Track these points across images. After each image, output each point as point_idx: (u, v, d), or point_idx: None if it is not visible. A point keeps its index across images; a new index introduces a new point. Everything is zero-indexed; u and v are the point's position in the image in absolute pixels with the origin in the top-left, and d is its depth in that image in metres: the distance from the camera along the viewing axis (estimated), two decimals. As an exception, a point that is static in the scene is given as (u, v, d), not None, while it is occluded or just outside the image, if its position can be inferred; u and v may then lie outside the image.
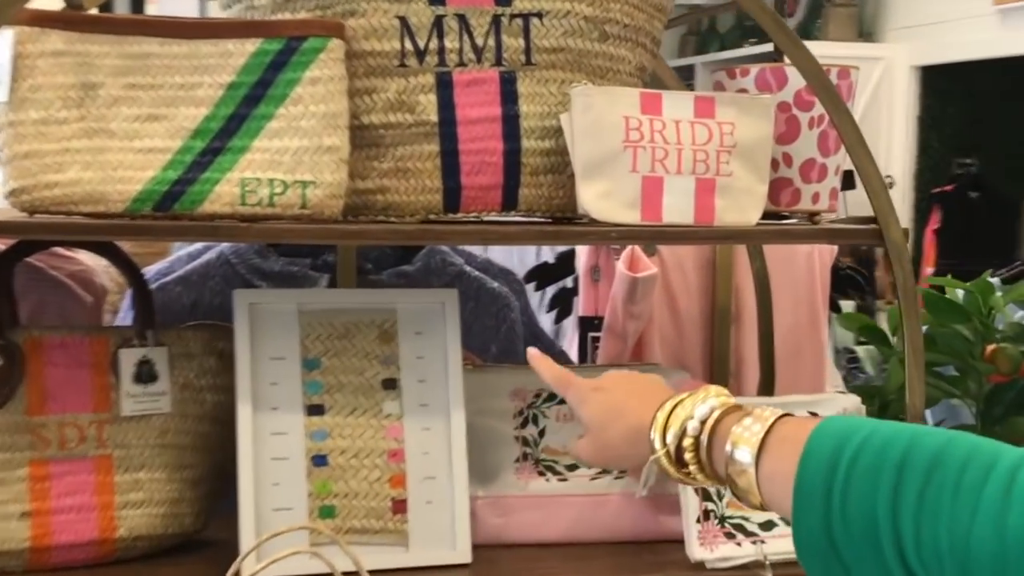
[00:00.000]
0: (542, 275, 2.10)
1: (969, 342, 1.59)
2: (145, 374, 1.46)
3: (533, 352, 1.31)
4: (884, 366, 1.68)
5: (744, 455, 1.04)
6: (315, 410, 1.46)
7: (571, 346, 2.04)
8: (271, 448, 1.44)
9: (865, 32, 6.62)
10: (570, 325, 2.09)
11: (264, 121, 1.34)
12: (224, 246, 1.76)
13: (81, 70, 1.31)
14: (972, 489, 0.85)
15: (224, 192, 1.33)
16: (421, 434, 1.48)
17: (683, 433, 1.12)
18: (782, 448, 1.01)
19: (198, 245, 1.80)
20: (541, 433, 1.57)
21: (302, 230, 1.33)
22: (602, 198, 1.41)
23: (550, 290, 2.10)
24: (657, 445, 1.15)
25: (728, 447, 1.06)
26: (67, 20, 1.33)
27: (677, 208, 1.43)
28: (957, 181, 5.83)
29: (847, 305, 2.02)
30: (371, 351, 1.49)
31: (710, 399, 1.12)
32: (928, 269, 5.82)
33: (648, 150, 1.42)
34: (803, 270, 1.99)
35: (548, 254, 2.13)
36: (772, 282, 1.87)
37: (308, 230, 1.33)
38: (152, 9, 5.83)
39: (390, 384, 1.49)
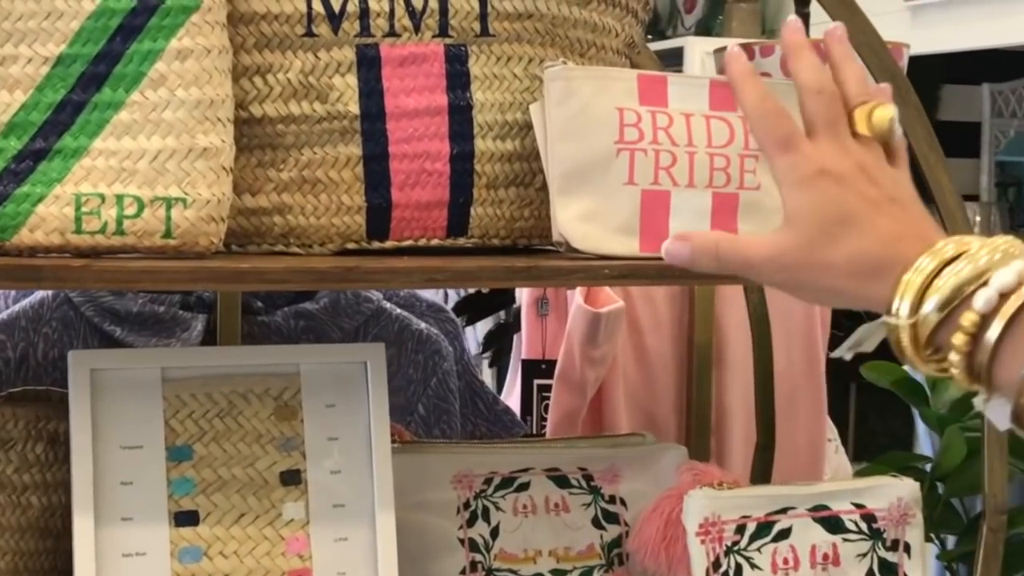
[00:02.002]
0: (473, 307, 1.71)
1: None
2: (-60, 472, 1.04)
3: (735, 53, 0.83)
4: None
5: None
6: (185, 519, 1.06)
7: (511, 395, 1.65)
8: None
9: (768, 29, 6.40)
10: (508, 369, 1.71)
11: (110, 112, 0.96)
12: (64, 278, 1.33)
13: None
14: None
15: (50, 214, 0.95)
16: (335, 548, 1.09)
17: (960, 305, 0.72)
18: None
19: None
20: (494, 533, 1.20)
21: (168, 270, 0.92)
22: (586, 220, 1.04)
23: (482, 325, 1.71)
24: (904, 311, 0.74)
25: None
26: None
27: (688, 234, 1.05)
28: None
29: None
30: (265, 432, 1.10)
31: (1016, 260, 0.72)
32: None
33: (650, 154, 1.04)
34: (798, 301, 1.63)
35: (478, 279, 1.74)
36: (761, 316, 1.50)
37: (177, 270, 0.92)
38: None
39: (292, 478, 1.09)
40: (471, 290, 1.78)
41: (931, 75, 5.60)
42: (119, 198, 0.94)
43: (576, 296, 1.55)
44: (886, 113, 0.80)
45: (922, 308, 0.73)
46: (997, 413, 0.75)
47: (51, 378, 1.32)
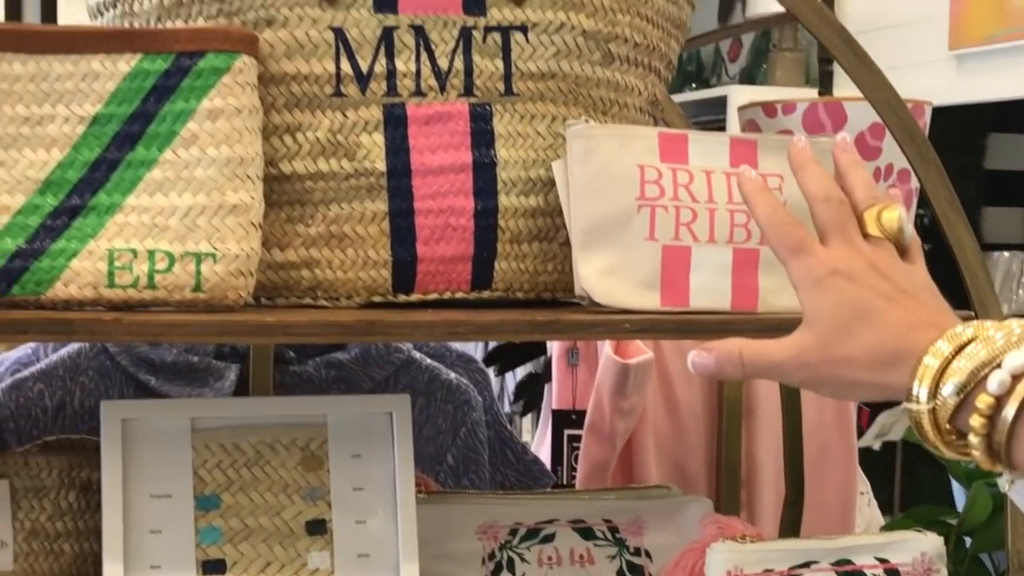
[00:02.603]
0: (505, 357, 1.72)
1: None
2: (-24, 518, 1.06)
3: (747, 175, 0.89)
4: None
5: None
6: (213, 567, 1.08)
7: (541, 446, 1.66)
8: (152, 623, 1.04)
9: (812, 78, 6.39)
10: (539, 419, 1.72)
11: (143, 170, 0.99)
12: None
13: None
14: None
15: (84, 269, 0.97)
16: (360, 597, 1.09)
17: (976, 388, 0.75)
18: None
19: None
20: (519, 584, 1.19)
21: (195, 324, 0.94)
22: (608, 274, 1.05)
23: (513, 374, 1.72)
24: (923, 396, 0.76)
25: None
26: None
27: (709, 289, 1.07)
28: (909, 231, 5.58)
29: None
30: (291, 482, 1.11)
31: None
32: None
33: (670, 211, 1.06)
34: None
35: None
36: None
37: (204, 323, 0.94)
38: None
39: (317, 527, 1.11)
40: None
41: (977, 124, 5.58)
42: (151, 253, 0.97)
43: (606, 347, 1.56)
44: (894, 213, 0.84)
45: (940, 392, 0.75)
46: (1021, 496, 0.77)
47: (87, 426, 1.34)
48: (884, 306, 0.81)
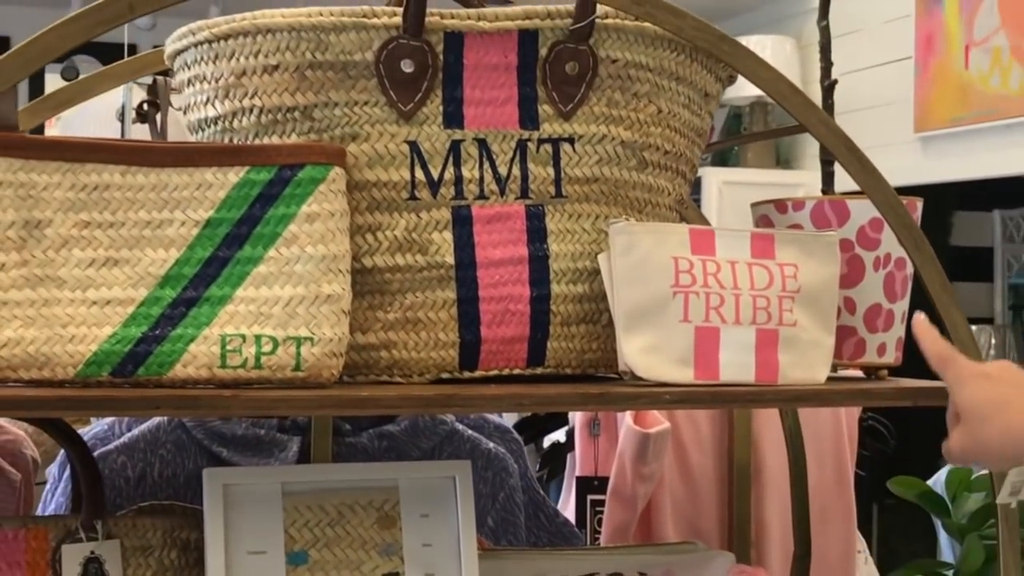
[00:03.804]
0: (530, 428, 1.86)
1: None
2: (93, 575, 1.19)
3: (919, 320, 1.18)
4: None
5: None
6: (304, 615, 1.20)
7: (566, 510, 1.80)
8: (250, 665, 1.17)
9: (783, 159, 6.59)
10: (563, 486, 1.85)
11: (250, 266, 1.12)
12: (175, 405, 1.49)
13: (23, 204, 1.09)
14: None
15: (200, 352, 1.10)
16: (431, 641, 1.22)
17: None
18: None
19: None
20: (568, 632, 1.33)
21: (300, 399, 1.08)
22: (648, 352, 1.20)
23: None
24: None
25: None
26: (5, 144, 1.09)
27: (736, 364, 1.22)
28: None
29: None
30: (369, 539, 1.25)
31: None
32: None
33: (701, 296, 1.21)
34: (828, 422, 1.79)
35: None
36: (794, 436, 1.65)
37: (309, 398, 1.09)
38: (53, 131, 5.50)
39: (393, 579, 1.23)
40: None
41: (943, 202, 5.79)
42: (257, 338, 1.11)
43: (626, 418, 1.70)
44: None
45: None
46: None
47: (165, 494, 1.47)
48: (1014, 396, 1.09)
